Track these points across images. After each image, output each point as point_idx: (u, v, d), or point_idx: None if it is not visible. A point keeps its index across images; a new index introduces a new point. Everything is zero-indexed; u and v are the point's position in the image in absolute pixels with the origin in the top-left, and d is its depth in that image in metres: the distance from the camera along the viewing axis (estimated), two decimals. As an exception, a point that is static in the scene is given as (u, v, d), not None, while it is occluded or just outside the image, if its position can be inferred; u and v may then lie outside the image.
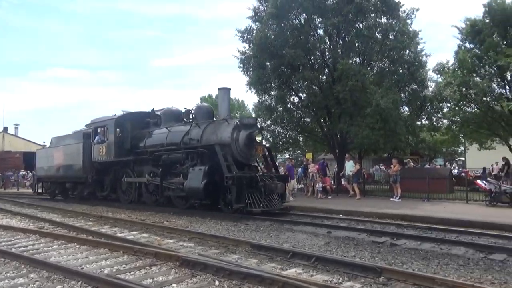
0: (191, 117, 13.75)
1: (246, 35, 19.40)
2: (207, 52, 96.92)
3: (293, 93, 19.92)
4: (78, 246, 7.17)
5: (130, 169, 14.47)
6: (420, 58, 18.10)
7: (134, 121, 15.09)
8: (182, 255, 5.82)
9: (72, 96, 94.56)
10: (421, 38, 18.55)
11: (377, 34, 17.70)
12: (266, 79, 18.52)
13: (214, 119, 13.23)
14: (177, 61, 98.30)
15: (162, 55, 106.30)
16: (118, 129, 14.85)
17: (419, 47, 18.28)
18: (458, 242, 7.06)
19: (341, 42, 18.51)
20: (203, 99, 46.34)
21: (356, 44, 18.19)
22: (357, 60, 18.71)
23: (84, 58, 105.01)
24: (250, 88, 19.28)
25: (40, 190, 20.32)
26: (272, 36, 17.84)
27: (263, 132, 13.47)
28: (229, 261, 5.70)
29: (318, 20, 18.23)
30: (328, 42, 18.56)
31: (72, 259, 6.17)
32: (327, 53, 18.61)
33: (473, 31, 19.51)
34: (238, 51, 19.46)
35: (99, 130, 15.76)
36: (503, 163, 19.25)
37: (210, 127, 12.17)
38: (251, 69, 19.12)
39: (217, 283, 4.87)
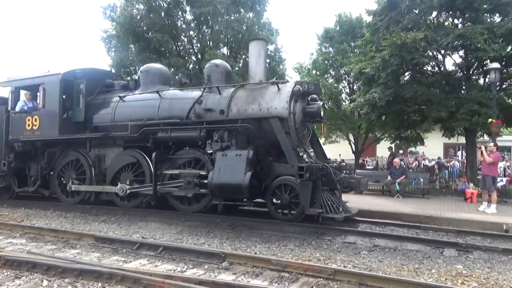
0: (190, 80, 10.44)
1: (109, 11, 17.98)
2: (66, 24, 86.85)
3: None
4: None
5: (83, 154, 9.83)
6: (280, 54, 19.51)
7: (89, 80, 10.10)
8: (6, 254, 5.05)
9: None
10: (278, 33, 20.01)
11: (244, 27, 18.37)
12: (130, 63, 17.51)
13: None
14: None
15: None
16: (63, 91, 9.86)
17: (279, 44, 19.73)
18: (297, 225, 7.74)
19: (209, 31, 18.63)
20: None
21: (225, 35, 18.55)
22: (225, 51, 19.14)
23: None
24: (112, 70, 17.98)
25: None
26: (138, 17, 16.91)
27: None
28: (64, 257, 5.18)
29: (187, 7, 18.00)
30: (197, 30, 18.49)
31: None
32: (195, 41, 18.53)
33: (327, 37, 21.99)
34: (101, 29, 18.00)
35: (23, 92, 10.62)
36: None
37: (243, 92, 8.47)
38: (113, 49, 17.84)
39: (45, 283, 4.36)
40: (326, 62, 21.42)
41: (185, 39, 18.45)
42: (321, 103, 8.59)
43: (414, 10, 14.36)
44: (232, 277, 4.70)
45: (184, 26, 18.33)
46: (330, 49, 21.63)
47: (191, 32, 18.56)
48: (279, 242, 6.59)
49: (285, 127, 7.80)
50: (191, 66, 18.54)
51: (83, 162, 9.76)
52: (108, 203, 9.47)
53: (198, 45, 18.22)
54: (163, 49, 17.12)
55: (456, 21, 14.65)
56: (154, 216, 8.53)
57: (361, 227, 7.89)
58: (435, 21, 14.98)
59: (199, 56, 17.98)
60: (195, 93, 8.92)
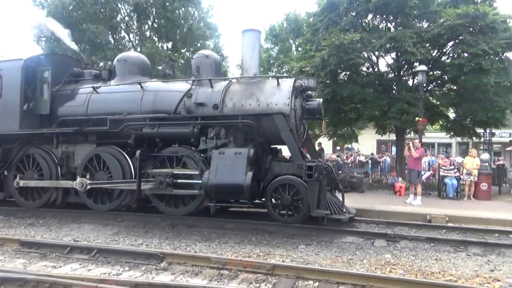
0: (173, 72, 9.81)
1: (38, -1, 16.74)
2: (-10, 11, 79.15)
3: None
4: None
5: (48, 151, 8.79)
6: (222, 51, 19.47)
7: (55, 68, 9.00)
8: None
9: None
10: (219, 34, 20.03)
11: (182, 22, 18.02)
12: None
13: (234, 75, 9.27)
14: None
15: None
16: (25, 80, 8.66)
17: (222, 41, 19.73)
18: (237, 222, 7.76)
19: (149, 24, 18.04)
20: None
21: (166, 29, 18.05)
22: (167, 45, 18.66)
23: None
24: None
25: None
26: (71, 7, 15.90)
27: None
28: (-16, 266, 4.75)
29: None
30: (136, 23, 17.81)
31: None
32: (133, 34, 17.85)
33: (272, 34, 22.31)
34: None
35: None
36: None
37: (238, 86, 8.01)
38: (44, 39, 16.60)
39: (-43, 295, 3.98)
40: (269, 59, 21.75)
41: (122, 31, 17.68)
42: (321, 100, 8.46)
43: (352, 13, 15.01)
44: (170, 278, 4.62)
45: (122, 17, 17.55)
46: (275, 46, 22.01)
47: (130, 25, 17.83)
48: (220, 239, 6.59)
49: (287, 124, 7.37)
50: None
51: (47, 160, 8.68)
52: (78, 207, 8.56)
53: (137, 38, 17.56)
54: (98, 41, 16.24)
55: (389, 24, 15.56)
56: (88, 217, 8.10)
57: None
58: (371, 24, 15.79)
59: (138, 49, 17.31)
60: (182, 86, 8.28)
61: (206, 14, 18.71)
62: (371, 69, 15.83)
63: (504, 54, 13.42)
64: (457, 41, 13.10)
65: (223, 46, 19.83)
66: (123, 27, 17.56)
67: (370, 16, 15.45)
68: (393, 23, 15.14)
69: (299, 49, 20.99)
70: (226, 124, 7.64)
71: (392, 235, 6.78)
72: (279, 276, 4.70)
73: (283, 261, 5.32)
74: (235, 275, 4.75)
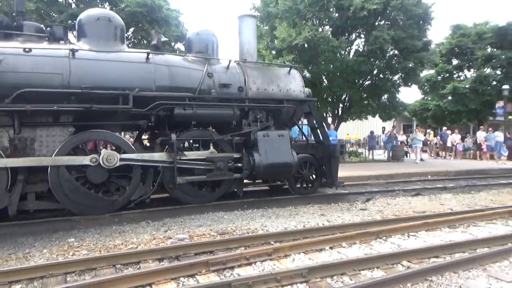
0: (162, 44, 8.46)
1: None
2: None
3: None
4: None
5: None
6: None
7: None
8: None
9: None
10: None
11: None
12: None
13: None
14: None
15: None
16: None
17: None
18: None
19: None
20: None
21: None
22: None
23: None
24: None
25: None
26: None
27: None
28: None
29: None
30: None
31: None
32: None
33: None
34: None
35: None
36: None
37: (254, 71, 8.24)
38: None
39: None
40: None
41: None
42: (309, 89, 9.32)
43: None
44: None
45: None
46: None
47: None
48: None
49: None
50: None
51: None
52: None
53: None
54: None
55: (70, 0, 14.69)
56: None
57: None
58: None
59: None
60: (194, 63, 7.81)
61: None
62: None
63: (176, 46, 15.64)
64: (136, 28, 14.06)
65: None
66: None
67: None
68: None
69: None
70: (270, 107, 8.11)
71: (77, 219, 6.55)
72: None
73: None
74: None
